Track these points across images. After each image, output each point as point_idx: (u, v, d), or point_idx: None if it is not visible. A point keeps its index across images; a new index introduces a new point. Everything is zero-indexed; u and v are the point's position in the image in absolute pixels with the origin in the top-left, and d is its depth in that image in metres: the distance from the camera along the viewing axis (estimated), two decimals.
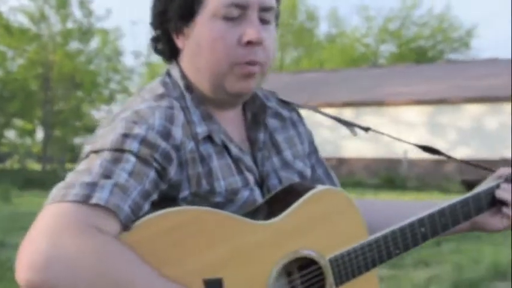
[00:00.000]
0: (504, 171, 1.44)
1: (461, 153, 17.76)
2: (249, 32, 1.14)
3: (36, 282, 0.89)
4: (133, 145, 1.06)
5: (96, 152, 1.06)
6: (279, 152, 1.32)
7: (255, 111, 1.30)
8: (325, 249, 1.21)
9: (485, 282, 5.40)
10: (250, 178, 1.23)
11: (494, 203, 1.41)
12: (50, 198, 0.97)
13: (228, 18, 1.15)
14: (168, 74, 1.24)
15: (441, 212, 1.35)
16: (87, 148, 1.09)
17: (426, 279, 5.52)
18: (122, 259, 0.94)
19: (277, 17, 1.25)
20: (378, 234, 1.26)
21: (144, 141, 1.07)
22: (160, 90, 1.19)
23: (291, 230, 1.18)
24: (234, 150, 1.22)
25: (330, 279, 1.21)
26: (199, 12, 1.17)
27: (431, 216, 1.33)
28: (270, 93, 1.37)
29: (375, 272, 1.29)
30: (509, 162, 1.94)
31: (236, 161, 1.22)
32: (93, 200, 0.96)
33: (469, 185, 4.79)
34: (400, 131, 19.98)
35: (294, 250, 1.17)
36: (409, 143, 1.55)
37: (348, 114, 20.41)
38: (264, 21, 1.18)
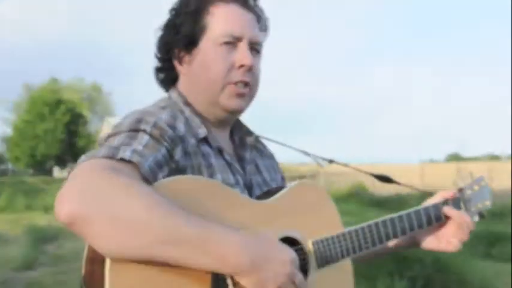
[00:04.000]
0: (445, 194, 1.62)
1: None
2: (242, 58, 1.38)
3: (75, 214, 1.01)
4: (146, 127, 1.24)
5: (113, 135, 1.24)
6: (259, 172, 1.53)
7: (241, 135, 1.53)
8: (308, 233, 1.37)
9: None
10: (240, 181, 1.42)
11: (431, 222, 1.58)
12: (80, 160, 1.14)
13: (225, 45, 1.38)
14: (168, 96, 1.46)
15: (400, 217, 1.53)
16: (104, 137, 1.25)
17: None
18: (150, 192, 1.08)
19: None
20: (353, 228, 1.46)
21: (155, 125, 1.26)
22: (163, 103, 1.40)
23: (279, 211, 1.34)
24: (227, 156, 1.42)
25: (312, 260, 1.36)
26: (202, 40, 1.39)
27: (392, 220, 1.52)
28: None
29: (350, 263, 1.46)
30: None
31: (229, 164, 1.42)
32: (119, 156, 1.14)
33: None
34: None
35: (283, 229, 1.33)
36: (371, 174, 1.80)
37: None
38: (253, 51, 1.42)
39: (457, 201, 1.61)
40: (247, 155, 1.50)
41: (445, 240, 1.57)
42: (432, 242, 1.59)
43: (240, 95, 1.41)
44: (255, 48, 1.43)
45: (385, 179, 1.77)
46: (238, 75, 1.39)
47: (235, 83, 1.39)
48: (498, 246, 7.90)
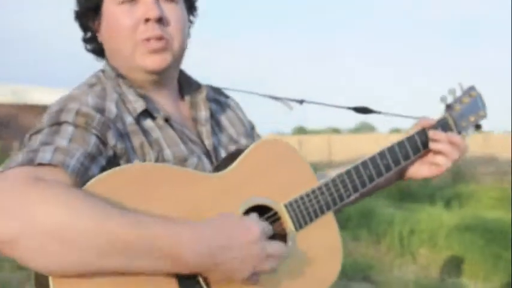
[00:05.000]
0: (424, 123, 1.48)
1: None
2: (146, 11, 1.21)
3: None
4: (68, 116, 1.10)
5: (35, 133, 1.09)
6: (222, 130, 1.38)
7: (192, 93, 1.36)
8: (278, 195, 1.24)
9: None
10: (196, 149, 1.25)
11: (419, 150, 1.46)
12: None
13: (127, 2, 1.22)
14: (101, 70, 1.29)
15: (382, 154, 1.41)
16: (26, 137, 1.10)
17: None
18: (80, 197, 0.95)
19: None
20: (327, 179, 1.31)
21: (78, 112, 1.11)
22: (94, 80, 1.25)
23: (242, 178, 1.20)
24: (175, 124, 1.25)
25: (289, 224, 1.24)
26: (104, 4, 1.24)
27: (373, 158, 1.39)
28: (206, 85, 1.39)
29: (332, 217, 1.32)
30: None
31: (179, 133, 1.24)
32: (36, 161, 0.99)
33: None
34: None
35: (249, 198, 1.19)
36: (348, 108, 1.69)
37: None
38: (166, 1, 1.24)
39: (444, 122, 1.50)
40: (202, 114, 1.33)
41: (435, 164, 1.48)
42: (423, 170, 1.50)
43: (155, 51, 1.23)
44: None
45: (363, 110, 1.69)
46: (146, 31, 1.22)
47: (147, 40, 1.22)
48: (338, 215, 8.29)
